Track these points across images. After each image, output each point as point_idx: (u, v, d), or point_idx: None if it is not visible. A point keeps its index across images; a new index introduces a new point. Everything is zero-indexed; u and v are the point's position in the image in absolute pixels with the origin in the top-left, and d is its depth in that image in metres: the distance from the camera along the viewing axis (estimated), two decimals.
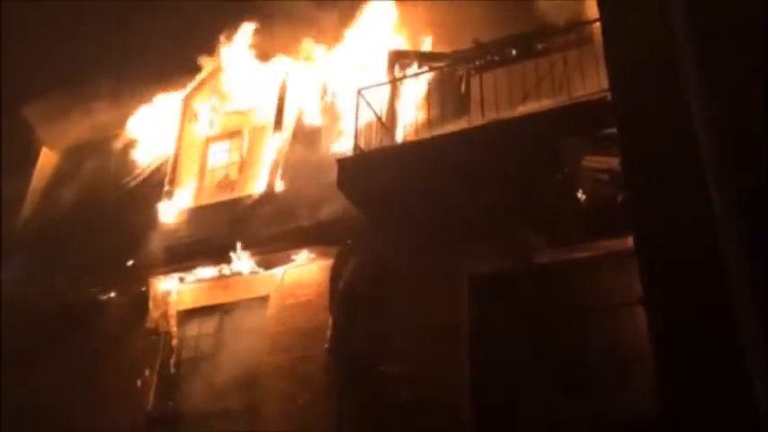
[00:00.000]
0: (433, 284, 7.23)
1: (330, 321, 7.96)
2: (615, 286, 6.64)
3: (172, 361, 8.87)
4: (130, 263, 9.29)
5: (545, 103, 7.00)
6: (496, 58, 8.27)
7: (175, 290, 9.16)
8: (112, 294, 9.50)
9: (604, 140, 6.07)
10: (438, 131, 7.60)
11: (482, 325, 7.00)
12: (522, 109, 7.24)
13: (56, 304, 9.40)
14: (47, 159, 12.19)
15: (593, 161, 6.35)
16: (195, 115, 10.56)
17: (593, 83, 6.48)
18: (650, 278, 4.82)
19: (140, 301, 9.19)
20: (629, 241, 6.03)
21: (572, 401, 6.27)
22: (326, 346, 7.86)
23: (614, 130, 5.70)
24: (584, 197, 6.49)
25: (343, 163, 7.81)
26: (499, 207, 6.69)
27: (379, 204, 7.53)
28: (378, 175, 7.39)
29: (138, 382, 8.81)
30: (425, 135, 7.63)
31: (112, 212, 10.20)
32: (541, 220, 6.74)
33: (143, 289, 9.18)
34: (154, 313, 9.10)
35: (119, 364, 9.04)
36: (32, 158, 12.05)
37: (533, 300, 6.89)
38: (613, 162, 5.98)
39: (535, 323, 6.75)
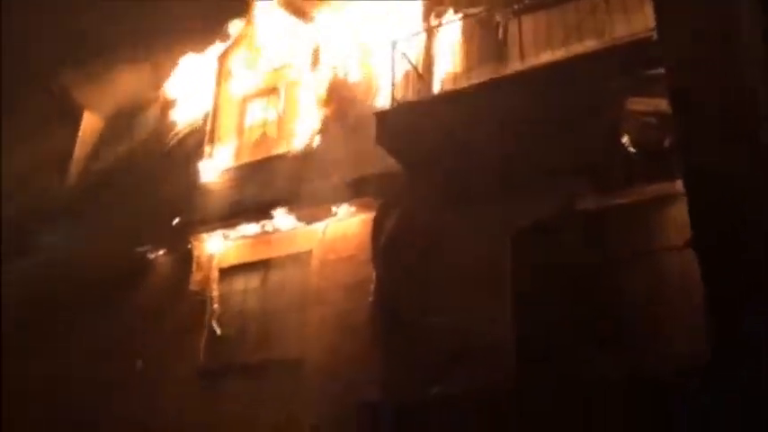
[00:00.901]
0: (475, 235, 7.19)
1: (373, 275, 8.00)
2: (660, 231, 6.53)
3: (218, 317, 9.07)
4: (175, 222, 9.43)
5: (587, 46, 6.80)
6: (535, 1, 8.03)
7: (219, 248, 9.31)
8: (160, 253, 9.70)
9: (650, 82, 5.88)
10: (476, 80, 7.47)
11: (524, 275, 6.96)
12: (563, 53, 7.04)
13: (104, 265, 9.66)
14: (89, 123, 12.37)
15: (638, 103, 6.16)
16: (231, 74, 10.56)
17: (638, 22, 6.26)
18: (700, 220, 4.72)
19: (187, 259, 9.38)
20: (676, 185, 5.92)
21: (615, 352, 6.24)
22: (370, 299, 7.93)
23: (661, 71, 5.54)
24: (629, 141, 6.33)
25: (380, 116, 7.74)
26: (541, 154, 6.58)
27: (419, 156, 7.48)
28: (416, 126, 7.32)
29: (188, 338, 9.05)
30: (463, 84, 7.50)
31: (155, 173, 10.33)
32: (585, 167, 6.62)
33: (189, 247, 9.35)
34: (197, 275, 9.28)
35: (169, 320, 9.29)
36: (74, 123, 12.24)
37: (576, 248, 6.81)
38: (660, 104, 5.80)
39: (578, 272, 6.69)
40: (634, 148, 6.35)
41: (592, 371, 6.08)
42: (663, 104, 5.65)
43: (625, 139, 6.39)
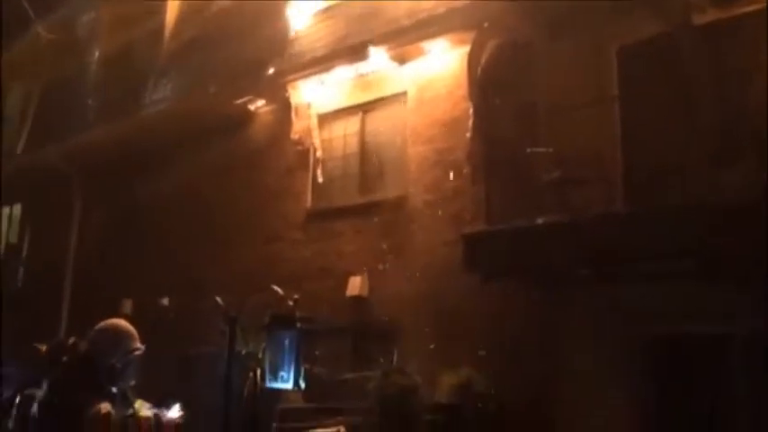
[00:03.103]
0: (578, 59, 6.84)
1: (470, 110, 7.87)
2: None
3: (321, 162, 9.30)
4: (271, 71, 9.50)
5: None
6: None
7: (316, 94, 9.36)
8: (260, 104, 9.88)
9: None
10: None
11: (632, 97, 6.63)
12: None
13: (207, 117, 9.98)
14: None
15: None
16: None
17: None
18: None
19: (287, 109, 9.53)
20: None
21: (732, 171, 5.95)
22: (469, 134, 7.85)
23: None
24: None
25: None
26: None
27: None
28: None
29: (294, 184, 9.40)
30: None
31: (248, 24, 10.28)
32: None
33: (286, 95, 9.46)
34: (297, 124, 9.44)
35: (275, 167, 9.64)
36: None
37: (689, 66, 6.36)
38: None
39: (690, 92, 6.29)
40: None
41: (707, 192, 5.87)
42: None
43: None
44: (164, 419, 3.38)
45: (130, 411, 3.30)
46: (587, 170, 6.57)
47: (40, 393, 3.36)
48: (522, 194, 7.00)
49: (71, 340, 4.64)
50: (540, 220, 6.62)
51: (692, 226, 5.77)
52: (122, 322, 3.55)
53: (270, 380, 5.53)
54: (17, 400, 3.56)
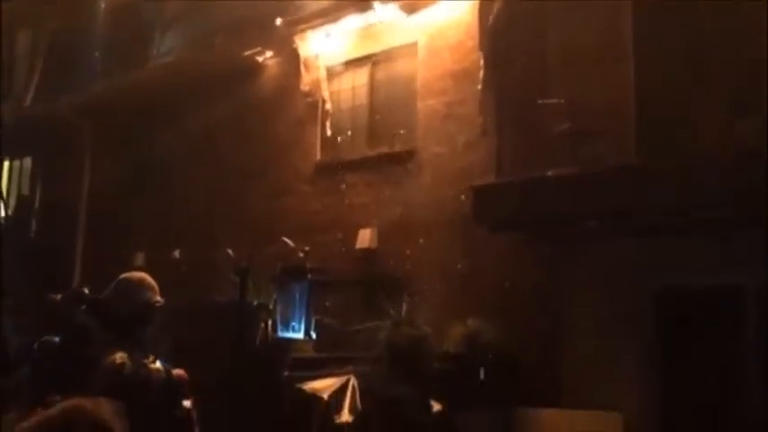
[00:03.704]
0: (592, 7, 6.68)
1: (481, 61, 7.76)
2: None
3: (330, 114, 9.24)
4: (278, 22, 9.36)
5: None
6: None
7: (324, 46, 9.24)
8: (268, 55, 9.78)
9: None
10: None
11: (646, 48, 6.50)
12: None
13: (216, 68, 9.89)
14: None
15: None
16: None
17: None
18: None
19: (295, 61, 9.43)
20: None
21: (739, 124, 5.87)
22: (479, 86, 7.76)
23: None
24: None
25: None
26: None
27: None
28: None
29: (303, 136, 9.36)
30: None
31: None
32: None
33: (294, 47, 9.35)
34: (306, 76, 9.34)
35: (284, 120, 9.59)
36: None
37: (704, 16, 6.22)
38: None
39: (704, 42, 6.16)
40: None
41: (721, 144, 5.81)
42: None
43: None
44: (174, 373, 3.43)
45: (144, 363, 3.34)
46: (599, 122, 6.49)
47: (56, 341, 3.42)
48: (534, 147, 6.94)
49: (87, 290, 4.71)
50: (550, 173, 6.58)
51: (705, 178, 5.72)
52: (143, 274, 3.59)
53: (281, 330, 5.61)
54: (34, 347, 3.62)
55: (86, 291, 5.01)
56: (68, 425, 1.69)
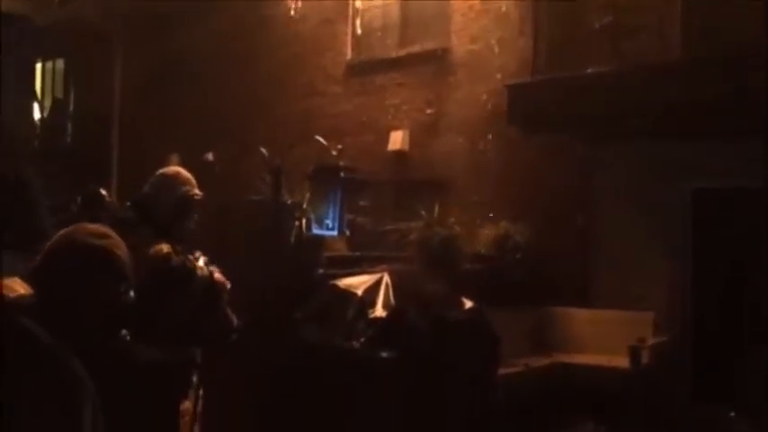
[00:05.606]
0: None
1: None
2: None
3: (361, 12, 8.99)
4: None
5: None
6: None
7: None
8: None
9: None
10: None
11: None
12: None
13: None
14: None
15: None
16: None
17: None
18: None
19: None
20: None
21: None
22: None
23: None
24: None
25: None
26: None
27: None
28: None
29: (335, 35, 9.16)
30: None
31: None
32: None
33: None
34: None
35: (314, 18, 9.35)
36: None
37: None
38: None
39: None
40: None
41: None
42: None
43: None
44: (216, 277, 3.37)
45: (189, 257, 3.29)
46: (643, 16, 6.23)
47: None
48: (572, 43, 6.71)
49: (103, 191, 4.75)
50: (589, 70, 6.39)
51: (749, 78, 5.51)
52: (179, 168, 3.55)
53: (315, 228, 5.68)
54: None
55: (103, 192, 5.07)
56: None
